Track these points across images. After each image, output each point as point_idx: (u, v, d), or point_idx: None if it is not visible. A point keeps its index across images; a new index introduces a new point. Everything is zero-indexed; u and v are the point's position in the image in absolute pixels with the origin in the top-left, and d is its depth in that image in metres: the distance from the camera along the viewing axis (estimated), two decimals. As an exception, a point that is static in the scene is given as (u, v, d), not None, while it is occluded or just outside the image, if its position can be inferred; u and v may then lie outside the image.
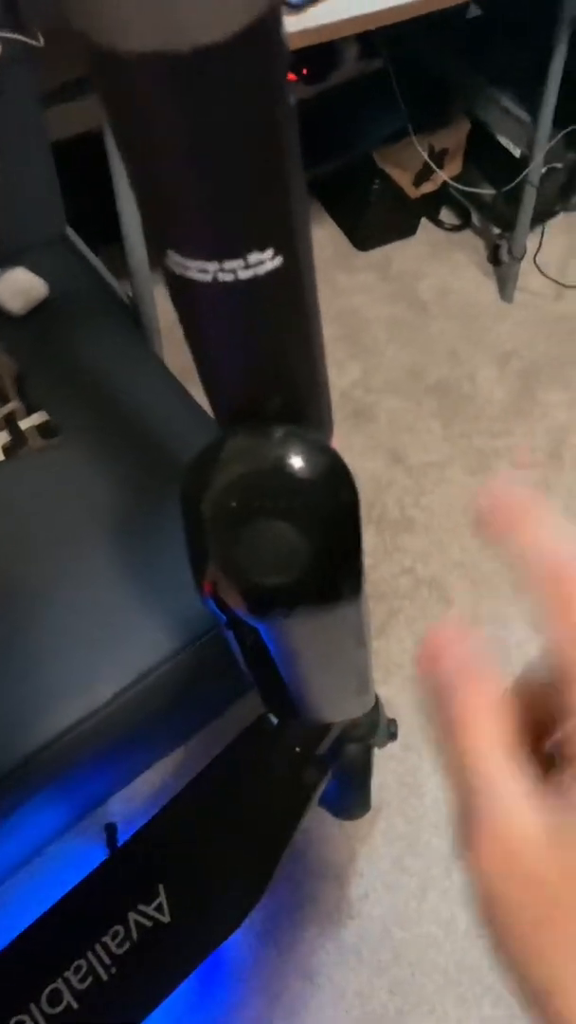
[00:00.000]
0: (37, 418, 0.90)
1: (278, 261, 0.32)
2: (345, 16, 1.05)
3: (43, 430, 0.90)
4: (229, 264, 0.31)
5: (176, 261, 0.32)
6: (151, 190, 0.30)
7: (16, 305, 0.97)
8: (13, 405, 0.90)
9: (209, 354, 0.37)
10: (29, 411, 0.90)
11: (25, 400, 0.91)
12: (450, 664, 0.24)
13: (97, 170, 1.03)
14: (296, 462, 0.40)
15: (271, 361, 0.37)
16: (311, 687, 0.64)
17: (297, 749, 1.03)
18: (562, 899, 0.20)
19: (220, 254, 0.31)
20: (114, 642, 0.86)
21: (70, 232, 1.15)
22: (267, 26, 0.25)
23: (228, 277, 0.31)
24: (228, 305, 0.33)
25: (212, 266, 0.31)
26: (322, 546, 0.42)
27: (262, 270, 0.31)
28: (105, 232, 1.14)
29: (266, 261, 0.31)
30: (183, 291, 0.33)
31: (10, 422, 0.89)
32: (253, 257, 0.31)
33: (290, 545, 0.41)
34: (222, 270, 0.31)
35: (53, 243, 1.09)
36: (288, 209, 0.31)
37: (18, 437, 0.89)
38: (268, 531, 0.41)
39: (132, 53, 0.25)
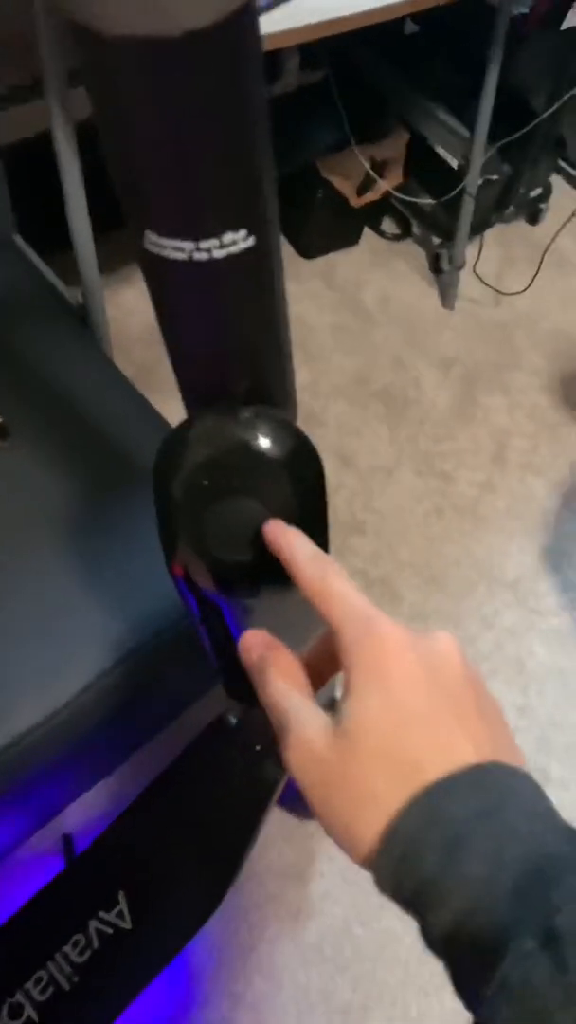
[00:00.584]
0: (-11, 420, 0.90)
1: (251, 241, 0.33)
2: (287, 27, 1.07)
3: (-5, 431, 0.90)
4: (204, 243, 0.32)
5: (153, 241, 0.33)
6: (132, 170, 0.31)
7: (-35, 307, 0.96)
8: (-36, 407, 0.89)
9: (181, 335, 0.38)
10: (-20, 413, 0.90)
11: (-24, 402, 0.90)
12: (260, 647, 0.39)
13: (46, 175, 1.03)
14: (264, 441, 0.41)
15: (241, 341, 0.38)
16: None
17: (257, 747, 1.04)
18: (335, 771, 0.31)
19: (196, 233, 0.32)
20: (70, 642, 0.85)
21: (18, 239, 1.15)
22: (248, 14, 0.27)
23: (203, 256, 0.33)
24: (201, 284, 0.34)
25: (188, 245, 0.32)
26: (289, 522, 0.44)
27: (236, 249, 0.33)
28: (54, 238, 1.14)
29: (239, 241, 0.33)
30: (158, 272, 0.34)
31: (-39, 424, 0.88)
32: (227, 236, 0.32)
33: (258, 522, 0.43)
34: (198, 249, 0.32)
35: (1, 249, 1.09)
36: (261, 191, 0.33)
37: (-30, 439, 0.88)
38: (237, 509, 0.42)
39: (121, 38, 0.26)
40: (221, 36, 0.26)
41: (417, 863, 0.28)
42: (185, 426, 0.42)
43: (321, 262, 1.91)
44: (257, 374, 0.41)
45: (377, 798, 0.30)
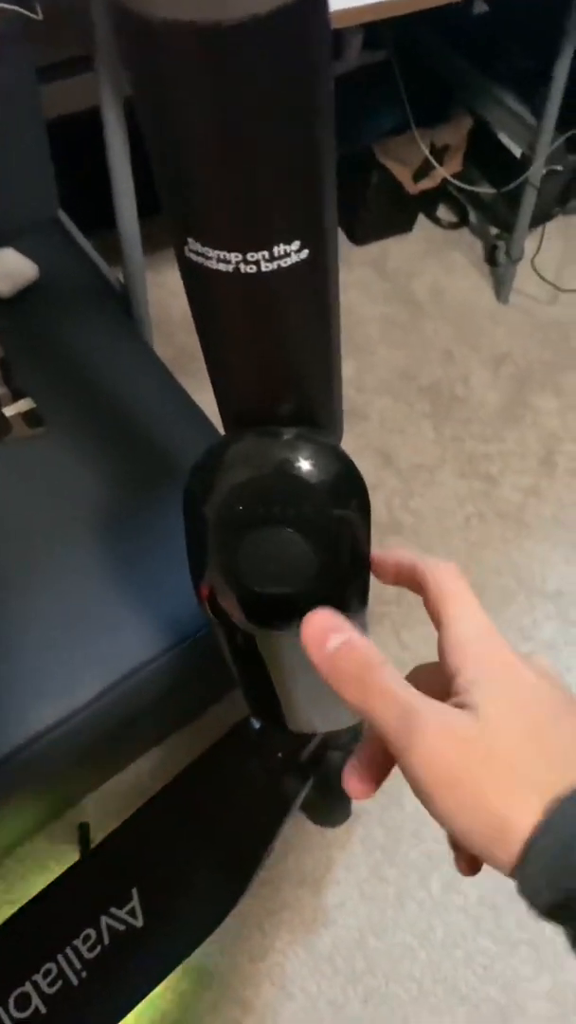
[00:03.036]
0: (23, 405, 0.87)
1: (304, 254, 0.29)
2: (351, 5, 1.02)
3: (28, 418, 0.87)
4: (252, 255, 0.28)
5: (196, 250, 0.29)
6: (176, 173, 0.27)
7: (4, 287, 0.93)
8: (-1, 391, 0.87)
9: (223, 349, 0.35)
10: (14, 398, 0.87)
11: (10, 386, 0.87)
12: (338, 637, 0.35)
13: (92, 151, 1.00)
14: (306, 466, 0.38)
15: (288, 360, 0.34)
16: (304, 699, 0.61)
17: (279, 755, 1.01)
18: (483, 756, 0.29)
19: (244, 244, 0.28)
20: (97, 641, 0.83)
21: (62, 215, 1.12)
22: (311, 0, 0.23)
23: (250, 269, 0.29)
24: (247, 298, 0.31)
25: (234, 256, 0.28)
26: (330, 556, 0.40)
27: (286, 263, 0.29)
28: (98, 216, 1.10)
29: (292, 254, 0.29)
30: (200, 282, 0.31)
31: (-6, 409, 0.86)
32: (279, 249, 0.28)
33: (295, 554, 0.39)
34: (245, 261, 0.28)
35: (45, 225, 1.05)
36: (320, 200, 0.29)
37: (2, 424, 0.86)
38: (273, 538, 0.39)
39: (169, 22, 0.22)
40: (285, 22, 0.22)
41: None
42: (221, 445, 0.39)
43: (373, 248, 1.86)
44: (303, 395, 0.37)
45: (536, 782, 0.28)
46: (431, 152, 1.65)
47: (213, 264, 0.29)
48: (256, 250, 0.28)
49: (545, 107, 1.48)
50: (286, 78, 0.24)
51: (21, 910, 0.98)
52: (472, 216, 1.93)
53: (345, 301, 1.62)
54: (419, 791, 0.30)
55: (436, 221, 1.91)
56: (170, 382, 0.98)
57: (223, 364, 0.36)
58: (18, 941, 0.99)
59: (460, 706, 0.30)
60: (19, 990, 0.95)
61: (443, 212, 1.93)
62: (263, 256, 0.28)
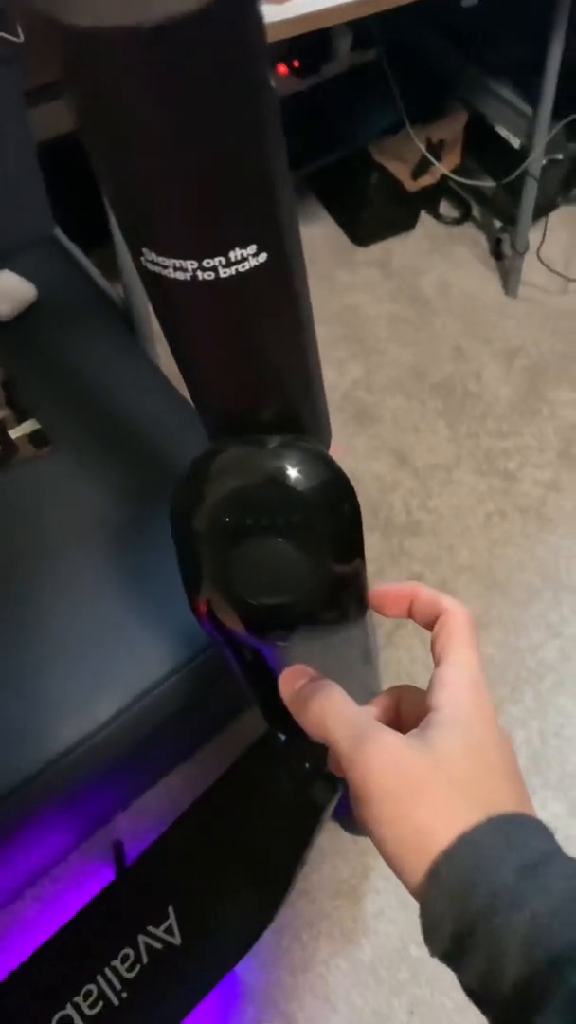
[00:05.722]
0: (28, 427, 0.87)
1: (262, 258, 0.29)
2: (338, 3, 1.01)
3: (34, 439, 0.87)
4: (208, 262, 0.28)
5: (152, 259, 0.28)
6: (122, 183, 0.27)
7: (3, 309, 0.93)
8: (3, 413, 0.87)
9: (194, 360, 0.34)
10: (19, 419, 0.87)
11: (14, 408, 0.88)
12: (303, 677, 0.39)
13: (85, 169, 1.00)
14: (293, 474, 0.37)
15: (261, 365, 0.34)
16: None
17: (306, 765, 1.00)
18: (419, 780, 0.31)
19: (199, 251, 0.27)
20: (113, 658, 0.83)
21: (59, 233, 1.12)
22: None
23: (208, 276, 0.28)
24: (210, 306, 0.30)
25: (190, 264, 0.28)
26: (323, 564, 0.39)
27: (245, 267, 0.28)
28: (95, 233, 1.11)
29: (249, 258, 0.28)
30: (161, 292, 0.30)
31: (0, 431, 0.86)
32: (235, 254, 0.28)
33: (288, 563, 0.38)
34: (201, 268, 0.28)
35: (42, 245, 1.06)
36: (272, 200, 0.28)
37: (8, 447, 0.86)
38: (265, 548, 0.38)
39: (96, 29, 0.21)
40: (210, 21, 0.22)
41: (492, 871, 0.28)
42: (206, 456, 0.38)
43: (376, 249, 1.85)
44: (283, 400, 0.37)
45: (456, 813, 0.30)
46: (428, 148, 1.64)
47: (171, 273, 0.28)
48: (211, 256, 0.27)
49: (540, 95, 1.46)
50: (224, 74, 0.23)
51: (60, 932, 0.98)
52: (474, 210, 1.91)
53: (352, 302, 1.60)
54: (357, 799, 0.32)
55: (438, 217, 1.90)
56: (175, 395, 0.98)
57: (196, 374, 0.35)
58: (58, 963, 0.99)
59: (420, 734, 0.33)
60: (61, 1013, 0.95)
61: (445, 208, 1.92)
62: (219, 262, 0.28)
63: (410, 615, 0.40)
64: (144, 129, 0.24)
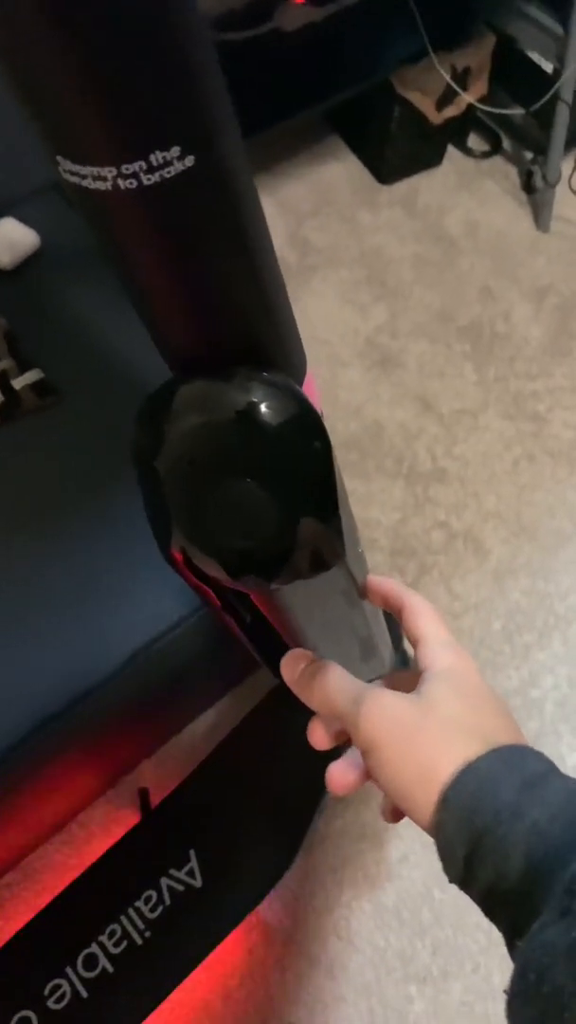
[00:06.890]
0: (31, 376, 0.86)
1: (189, 161, 0.26)
2: None
3: (38, 389, 0.86)
4: (127, 167, 0.26)
5: (68, 169, 0.26)
6: (27, 83, 0.25)
7: (5, 258, 0.92)
8: (5, 363, 0.85)
9: (136, 285, 0.32)
10: (22, 369, 0.86)
11: (17, 358, 0.86)
12: (303, 664, 0.42)
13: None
14: (260, 409, 0.35)
15: (207, 287, 0.32)
16: (318, 646, 0.59)
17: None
18: (415, 724, 0.35)
19: (113, 156, 0.25)
20: (128, 602, 0.83)
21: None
22: None
23: (130, 184, 0.26)
24: (140, 220, 0.28)
25: (108, 172, 0.26)
26: (293, 504, 0.37)
27: (169, 173, 0.26)
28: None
29: (173, 161, 0.26)
30: (87, 206, 0.28)
31: (2, 382, 0.85)
32: (155, 157, 0.25)
33: (257, 504, 0.37)
34: (121, 175, 0.26)
35: (44, 192, 1.04)
36: (195, 95, 0.25)
37: (12, 397, 0.85)
38: (233, 489, 0.36)
39: None
40: None
41: (495, 792, 0.31)
42: (164, 391, 0.37)
43: (401, 187, 1.78)
44: (240, 329, 0.35)
45: (454, 746, 0.33)
46: (453, 77, 1.56)
47: (91, 183, 0.26)
48: (129, 161, 0.25)
49: (572, 13, 1.38)
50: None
51: (85, 873, 1.01)
52: (504, 142, 1.82)
53: (375, 243, 1.54)
54: (364, 754, 0.35)
55: (467, 151, 1.82)
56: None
57: (142, 301, 0.33)
58: (84, 903, 1.01)
59: (413, 692, 0.37)
60: (86, 951, 0.98)
61: (473, 141, 1.83)
62: (140, 167, 0.26)
63: (384, 606, 0.46)
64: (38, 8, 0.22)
